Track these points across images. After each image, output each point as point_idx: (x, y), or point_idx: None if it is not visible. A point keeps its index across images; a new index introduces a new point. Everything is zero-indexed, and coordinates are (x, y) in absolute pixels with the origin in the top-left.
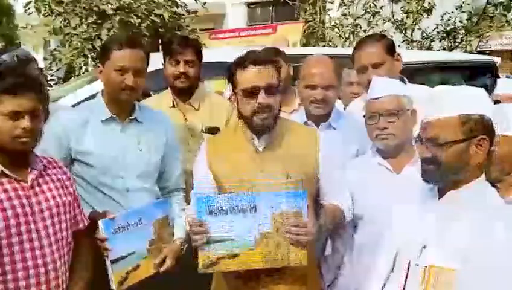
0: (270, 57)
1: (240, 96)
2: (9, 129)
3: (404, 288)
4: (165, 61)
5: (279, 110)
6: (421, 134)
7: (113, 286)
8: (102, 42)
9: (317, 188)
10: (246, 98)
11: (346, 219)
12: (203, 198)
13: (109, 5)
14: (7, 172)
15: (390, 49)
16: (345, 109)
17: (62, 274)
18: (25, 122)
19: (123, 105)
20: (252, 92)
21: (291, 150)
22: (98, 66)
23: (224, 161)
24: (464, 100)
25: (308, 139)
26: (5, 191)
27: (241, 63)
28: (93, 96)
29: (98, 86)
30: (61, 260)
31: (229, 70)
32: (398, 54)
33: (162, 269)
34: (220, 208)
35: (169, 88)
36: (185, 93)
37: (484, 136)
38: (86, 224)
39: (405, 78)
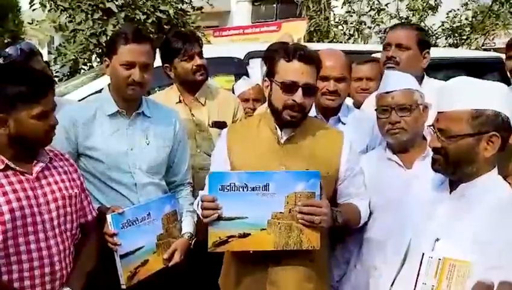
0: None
1: (276, 87)
2: (41, 128)
3: (417, 281)
4: (169, 62)
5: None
6: (434, 123)
7: (123, 281)
8: (108, 38)
9: (335, 190)
10: (283, 91)
11: (362, 220)
12: (216, 174)
13: (115, 2)
14: (12, 165)
15: (421, 42)
16: (354, 104)
17: (66, 266)
18: (52, 119)
19: (130, 99)
20: (290, 87)
21: (314, 147)
22: (105, 61)
23: (244, 150)
24: (479, 94)
25: (333, 140)
26: (11, 183)
27: (288, 54)
28: (98, 93)
29: (103, 82)
30: (66, 252)
31: (270, 56)
32: (427, 52)
33: (170, 264)
34: (232, 185)
35: (174, 84)
36: (192, 88)
37: (495, 133)
38: (95, 216)
39: (424, 73)
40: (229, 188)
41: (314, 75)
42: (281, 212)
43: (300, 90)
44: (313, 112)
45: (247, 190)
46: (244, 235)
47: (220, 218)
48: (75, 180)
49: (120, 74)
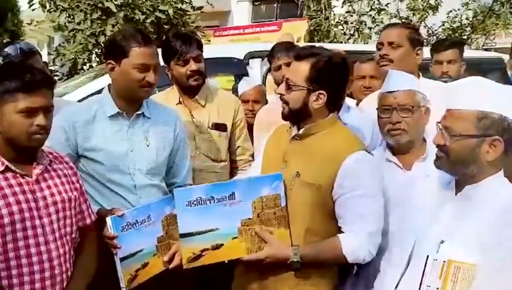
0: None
1: None
2: (25, 126)
3: (421, 283)
4: (168, 64)
5: (303, 107)
6: (441, 120)
7: (123, 284)
8: (107, 38)
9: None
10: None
11: (349, 256)
12: (180, 191)
13: (114, 2)
14: (12, 167)
15: (413, 40)
16: (357, 104)
17: (67, 270)
18: (40, 119)
19: (133, 101)
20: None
21: (317, 151)
22: (110, 64)
23: (268, 149)
24: (488, 97)
25: (338, 150)
26: (10, 186)
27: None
28: (97, 93)
29: (102, 82)
30: (66, 256)
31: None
32: (420, 49)
33: (171, 266)
34: (199, 199)
35: (175, 85)
36: (192, 90)
37: (498, 138)
38: (94, 219)
39: (419, 73)
40: (195, 202)
41: (300, 70)
42: (249, 219)
43: (283, 84)
44: None
45: (214, 202)
46: (217, 247)
47: (191, 234)
48: (74, 183)
49: (134, 77)
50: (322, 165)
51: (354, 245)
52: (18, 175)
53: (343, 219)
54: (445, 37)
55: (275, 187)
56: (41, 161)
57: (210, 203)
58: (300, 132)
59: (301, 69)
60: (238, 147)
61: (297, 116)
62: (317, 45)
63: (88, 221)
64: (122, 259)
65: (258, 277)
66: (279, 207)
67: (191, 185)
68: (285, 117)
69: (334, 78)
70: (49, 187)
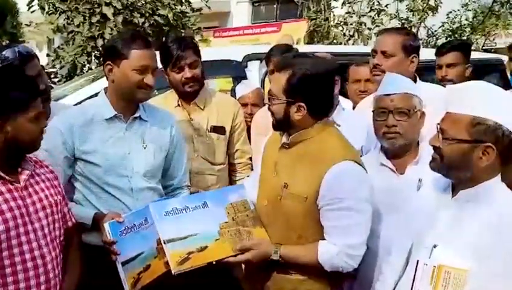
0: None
1: None
2: (34, 131)
3: (412, 288)
4: (166, 69)
5: (285, 118)
6: (440, 122)
7: (127, 288)
8: (106, 41)
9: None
10: None
11: (324, 264)
12: (156, 204)
13: (112, 5)
14: (1, 174)
15: (407, 48)
16: (353, 107)
17: (59, 273)
18: (43, 123)
19: (131, 102)
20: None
21: (304, 161)
22: (109, 65)
23: (265, 155)
24: (485, 103)
25: (322, 162)
26: (1, 193)
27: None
28: (96, 95)
29: (102, 84)
30: (57, 259)
31: None
32: (415, 57)
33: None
34: (175, 209)
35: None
36: (189, 95)
37: (491, 145)
38: (75, 221)
39: (416, 75)
40: (172, 212)
41: (279, 82)
42: (226, 222)
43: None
44: None
45: (190, 211)
46: (202, 249)
47: (173, 240)
48: (56, 187)
49: (132, 78)
50: (308, 176)
51: (330, 256)
52: (7, 182)
53: (325, 229)
54: (444, 37)
55: (241, 194)
56: (27, 167)
57: (186, 212)
58: (288, 140)
59: (280, 81)
60: (237, 150)
61: (283, 126)
62: (316, 46)
63: (70, 224)
64: (123, 263)
65: (257, 281)
66: (249, 210)
67: (188, 186)
68: (274, 127)
69: (312, 90)
70: (36, 192)
